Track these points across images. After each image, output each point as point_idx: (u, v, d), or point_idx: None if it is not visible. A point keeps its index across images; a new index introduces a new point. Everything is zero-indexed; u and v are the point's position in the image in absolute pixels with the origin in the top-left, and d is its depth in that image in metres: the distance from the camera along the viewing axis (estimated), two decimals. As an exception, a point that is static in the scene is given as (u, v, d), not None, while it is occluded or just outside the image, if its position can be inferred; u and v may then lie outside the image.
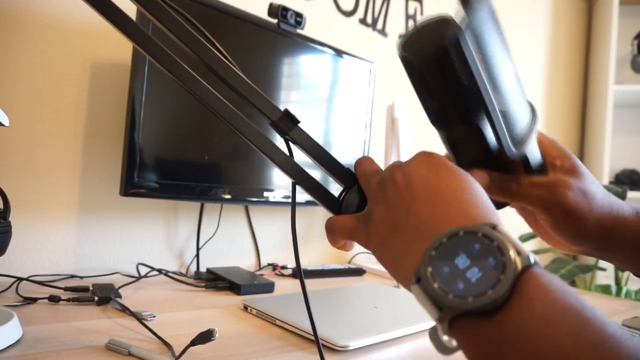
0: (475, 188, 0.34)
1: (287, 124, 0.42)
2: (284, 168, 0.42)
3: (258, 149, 0.42)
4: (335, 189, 0.44)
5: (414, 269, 0.29)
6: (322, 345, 0.59)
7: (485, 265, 0.26)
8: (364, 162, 0.42)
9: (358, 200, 0.42)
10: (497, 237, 0.27)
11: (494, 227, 0.28)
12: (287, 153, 0.43)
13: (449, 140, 0.42)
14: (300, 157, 0.43)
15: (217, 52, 0.42)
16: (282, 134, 0.43)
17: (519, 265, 0.26)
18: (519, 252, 0.26)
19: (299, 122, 0.43)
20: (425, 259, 0.28)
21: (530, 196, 0.43)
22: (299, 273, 0.43)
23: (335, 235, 0.41)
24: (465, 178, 0.34)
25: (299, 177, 0.42)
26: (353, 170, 0.43)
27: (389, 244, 0.34)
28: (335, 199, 0.43)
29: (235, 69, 0.42)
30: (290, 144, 0.44)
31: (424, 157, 0.36)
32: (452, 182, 0.34)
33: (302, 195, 1.02)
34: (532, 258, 0.26)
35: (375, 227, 0.36)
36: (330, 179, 0.44)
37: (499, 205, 0.46)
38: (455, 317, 0.26)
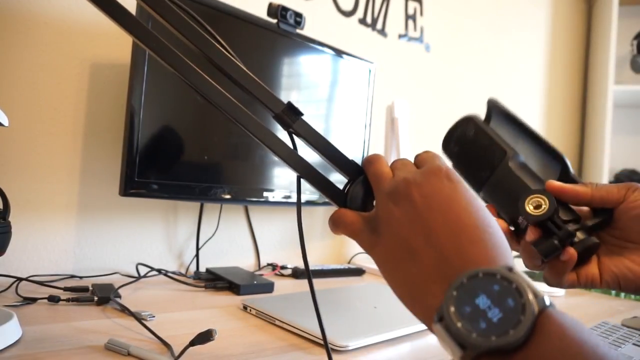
0: (494, 225, 0.34)
1: (291, 116, 0.42)
2: (288, 161, 0.42)
3: (261, 142, 0.42)
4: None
5: (434, 307, 0.31)
6: (323, 345, 0.59)
7: (506, 306, 0.28)
8: (376, 162, 0.41)
9: (363, 193, 0.42)
10: (515, 279, 0.28)
11: (510, 269, 0.29)
12: (291, 146, 0.43)
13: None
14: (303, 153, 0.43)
15: (218, 46, 0.42)
16: (286, 127, 0.43)
17: (537, 307, 0.27)
18: (535, 295, 0.28)
19: (302, 114, 0.42)
20: (447, 299, 0.29)
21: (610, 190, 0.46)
22: (307, 275, 0.43)
23: (340, 230, 0.41)
24: (486, 212, 0.35)
25: (304, 170, 0.42)
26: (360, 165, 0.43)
27: (403, 269, 0.34)
28: (339, 191, 0.43)
29: (237, 62, 0.42)
30: (294, 137, 0.44)
31: (443, 177, 0.36)
32: (474, 217, 0.34)
33: (302, 195, 1.02)
34: (547, 300, 0.28)
35: (386, 242, 0.36)
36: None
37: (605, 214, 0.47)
38: (477, 356, 0.27)
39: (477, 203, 0.35)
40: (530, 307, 0.27)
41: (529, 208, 0.45)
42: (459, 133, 0.53)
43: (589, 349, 0.26)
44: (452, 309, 0.29)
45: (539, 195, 0.45)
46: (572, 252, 0.45)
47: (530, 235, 0.46)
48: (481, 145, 0.51)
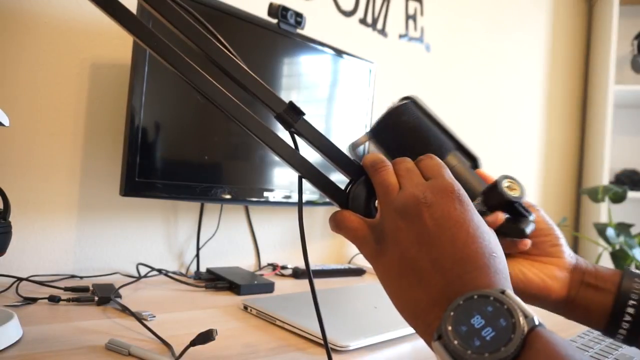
0: (498, 250, 0.36)
1: (292, 116, 0.42)
2: (289, 161, 0.42)
3: (262, 142, 0.41)
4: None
5: (434, 326, 0.33)
6: (322, 345, 0.59)
7: (498, 325, 0.30)
8: (382, 170, 0.41)
9: (365, 194, 0.42)
10: (506, 301, 0.31)
11: (502, 292, 0.31)
12: (293, 146, 0.43)
13: None
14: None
15: (219, 45, 0.42)
16: (288, 127, 0.42)
17: (526, 326, 0.30)
18: (525, 315, 0.30)
19: (304, 113, 0.42)
20: (445, 318, 0.31)
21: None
22: (308, 275, 0.43)
23: (342, 232, 0.41)
24: (491, 237, 0.36)
25: (305, 170, 0.42)
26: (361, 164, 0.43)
27: (407, 287, 0.35)
28: (341, 191, 0.43)
29: (238, 61, 0.42)
30: (296, 136, 0.43)
31: (454, 199, 0.36)
32: (480, 243, 0.35)
33: (303, 195, 1.02)
34: (537, 320, 0.30)
35: (390, 256, 0.37)
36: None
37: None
38: None
39: (484, 227, 0.36)
40: (520, 327, 0.29)
41: (505, 188, 0.47)
42: (397, 119, 0.51)
43: None
44: (450, 328, 0.31)
45: (511, 179, 0.47)
46: (527, 241, 0.49)
47: (496, 216, 0.47)
48: (426, 134, 0.50)
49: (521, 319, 0.30)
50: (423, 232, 0.35)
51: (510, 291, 0.32)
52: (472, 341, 0.30)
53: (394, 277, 0.36)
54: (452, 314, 0.31)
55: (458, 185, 0.37)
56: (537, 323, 0.30)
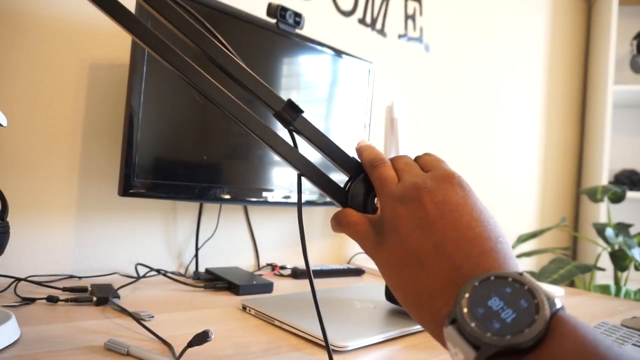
0: (504, 236, 0.34)
1: (291, 113, 0.42)
2: (288, 159, 0.42)
3: (261, 140, 0.41)
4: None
5: (444, 312, 0.31)
6: (322, 345, 0.59)
7: (519, 307, 0.28)
8: (380, 165, 0.40)
9: (364, 190, 0.42)
10: (527, 281, 0.29)
11: (520, 274, 0.30)
12: (291, 144, 0.43)
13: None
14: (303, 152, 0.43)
15: (218, 43, 0.42)
16: (286, 124, 0.42)
17: (549, 308, 0.28)
18: (547, 297, 0.28)
19: (302, 111, 0.42)
20: (460, 300, 0.29)
21: None
22: (308, 275, 0.43)
23: (343, 229, 0.41)
24: (496, 222, 0.35)
25: (304, 168, 0.42)
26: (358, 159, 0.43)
27: (410, 275, 0.34)
28: (341, 189, 0.43)
29: (237, 60, 0.42)
30: (294, 134, 0.43)
31: (455, 184, 0.36)
32: (485, 227, 0.33)
33: (302, 195, 1.02)
34: (559, 302, 0.28)
35: (392, 246, 0.36)
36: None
37: None
38: (491, 356, 0.27)
39: (488, 213, 0.35)
40: (544, 308, 0.27)
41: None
42: None
43: (603, 350, 0.26)
44: (465, 310, 0.29)
45: None
46: None
47: None
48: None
49: (544, 300, 0.28)
50: (424, 217, 0.34)
51: (526, 274, 0.30)
52: (490, 323, 0.27)
53: (396, 267, 0.35)
54: (467, 295, 0.29)
55: (459, 174, 0.37)
56: (559, 306, 0.28)
